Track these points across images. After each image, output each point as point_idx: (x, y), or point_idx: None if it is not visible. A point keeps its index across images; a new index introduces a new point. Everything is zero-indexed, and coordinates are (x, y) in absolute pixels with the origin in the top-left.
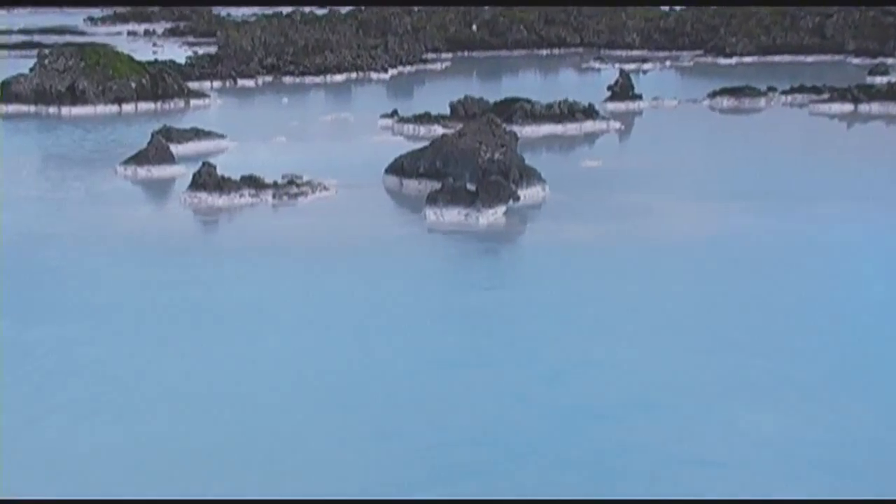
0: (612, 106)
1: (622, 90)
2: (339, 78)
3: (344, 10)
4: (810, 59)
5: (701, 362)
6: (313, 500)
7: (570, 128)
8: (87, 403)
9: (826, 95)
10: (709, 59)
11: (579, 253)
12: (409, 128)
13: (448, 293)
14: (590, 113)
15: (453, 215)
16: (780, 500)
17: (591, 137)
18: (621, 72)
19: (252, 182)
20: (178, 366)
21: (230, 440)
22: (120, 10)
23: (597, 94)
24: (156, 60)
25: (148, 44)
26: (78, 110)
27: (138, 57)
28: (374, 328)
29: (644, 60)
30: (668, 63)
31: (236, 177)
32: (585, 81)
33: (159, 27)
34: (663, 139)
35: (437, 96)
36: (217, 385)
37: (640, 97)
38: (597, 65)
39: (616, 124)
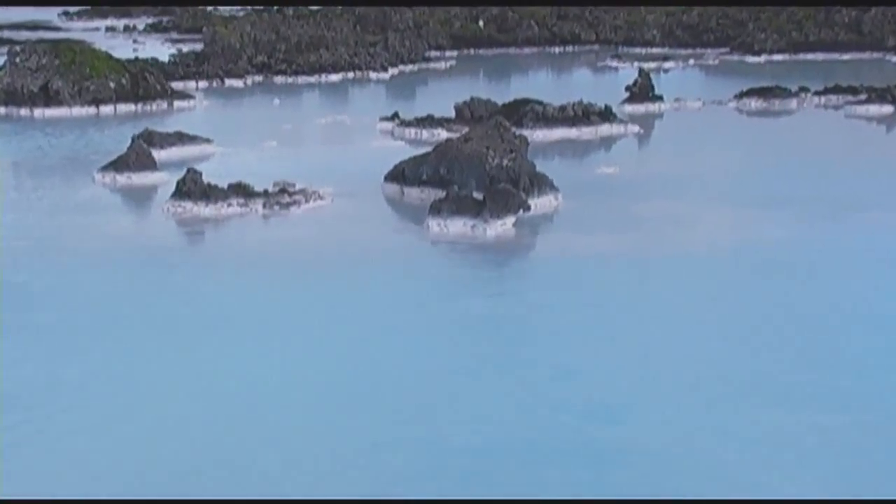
0: (630, 108)
1: (641, 91)
2: (334, 78)
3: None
4: (846, 56)
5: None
6: (313, 501)
7: (585, 132)
8: (65, 429)
9: (863, 96)
10: (735, 57)
11: (594, 267)
12: (411, 132)
13: (453, 310)
14: (606, 115)
15: (458, 226)
16: (780, 500)
17: (607, 142)
18: (640, 71)
19: (241, 190)
20: (167, 388)
21: (234, 458)
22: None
23: (614, 94)
24: (136, 58)
25: (128, 40)
26: (52, 112)
27: (117, 54)
28: (373, 345)
29: (665, 58)
30: (691, 61)
31: (224, 184)
32: (601, 81)
33: (140, 22)
34: (686, 144)
35: (441, 97)
36: (211, 407)
37: (660, 98)
38: (614, 63)
39: (635, 128)
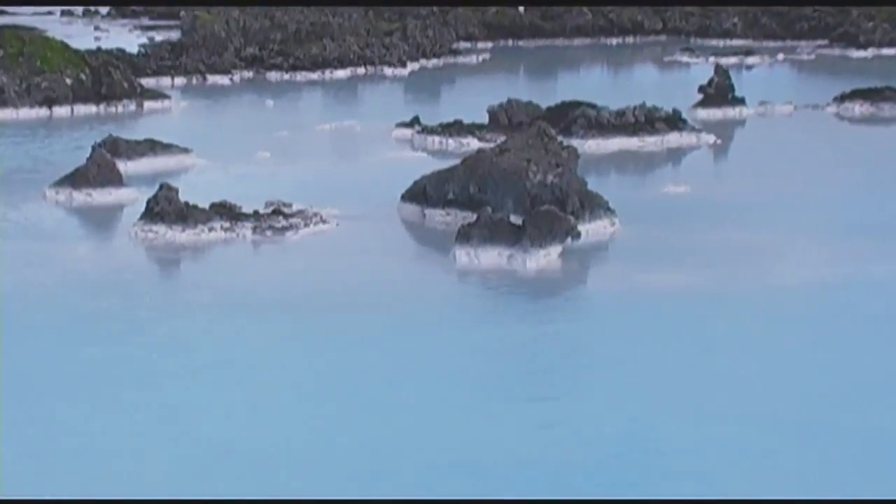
0: (704, 113)
1: (718, 92)
2: (341, 74)
3: None
4: None
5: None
6: (313, 501)
7: (649, 142)
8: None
9: None
10: (836, 52)
11: (657, 308)
12: (435, 140)
13: (485, 363)
14: (674, 122)
15: (492, 257)
16: (780, 500)
17: (675, 155)
18: (717, 67)
19: (225, 211)
20: (127, 476)
21: None
22: None
23: (684, 96)
24: (99, 49)
25: (89, 27)
26: None
27: (75, 44)
28: (389, 405)
29: (748, 52)
30: (780, 56)
31: (205, 204)
32: (669, 80)
33: (103, 6)
34: (773, 158)
35: (472, 99)
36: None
37: (741, 102)
38: (685, 58)
39: (709, 137)
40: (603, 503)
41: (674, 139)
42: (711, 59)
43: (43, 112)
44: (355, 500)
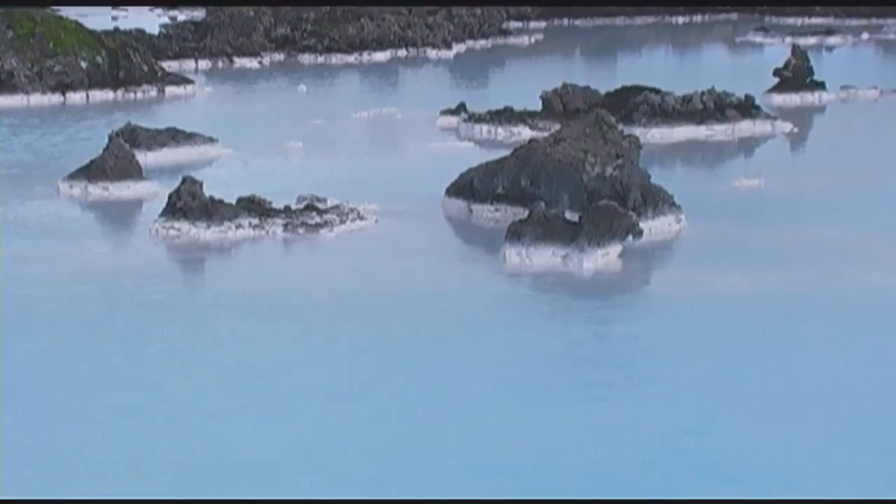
0: (780, 98)
1: (796, 75)
2: (380, 56)
3: None
4: None
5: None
6: (313, 501)
7: (718, 130)
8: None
9: None
10: None
11: (728, 313)
12: (483, 129)
13: (538, 374)
14: (747, 109)
15: (545, 257)
16: (780, 500)
17: (748, 145)
18: (794, 48)
19: (254, 207)
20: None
21: None
22: None
23: (758, 80)
24: (116, 30)
25: (105, 6)
26: (4, 101)
27: (91, 25)
28: (435, 413)
29: (829, 31)
30: (864, 35)
31: (231, 199)
32: (741, 62)
33: None
34: (855, 148)
35: (523, 84)
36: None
37: (821, 86)
38: (758, 38)
39: (786, 126)
40: (603, 503)
41: (746, 128)
42: (788, 38)
43: (56, 98)
44: (356, 500)
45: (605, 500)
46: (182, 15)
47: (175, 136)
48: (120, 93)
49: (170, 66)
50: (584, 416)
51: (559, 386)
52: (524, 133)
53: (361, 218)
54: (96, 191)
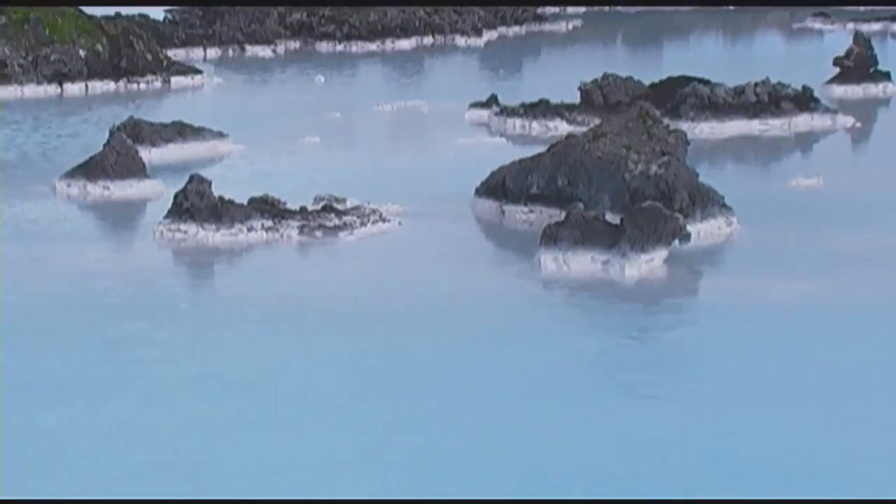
0: (840, 90)
1: (858, 65)
2: (405, 44)
3: None
4: None
5: None
6: (313, 501)
7: (773, 125)
8: None
9: None
10: None
11: (784, 323)
12: (516, 124)
13: (578, 395)
14: (805, 102)
15: (584, 263)
16: (780, 500)
17: (805, 140)
18: (857, 35)
19: (267, 208)
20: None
21: None
22: None
23: (816, 71)
24: (118, 15)
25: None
26: None
27: (90, 10)
28: (469, 422)
29: (894, 18)
30: None
31: (242, 199)
32: (798, 50)
33: None
34: None
35: (560, 74)
36: None
37: (886, 76)
38: (817, 24)
39: (847, 120)
40: (603, 503)
41: (803, 122)
42: (850, 25)
43: (52, 90)
44: (356, 500)
45: (605, 500)
46: None
47: (181, 131)
48: (122, 84)
49: (176, 54)
50: (629, 422)
51: (601, 392)
52: (561, 128)
53: (384, 220)
54: (96, 190)
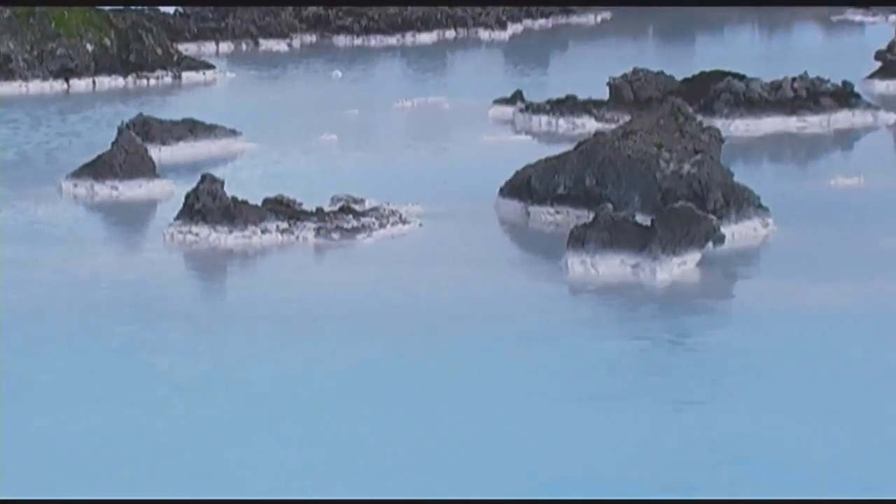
0: (882, 85)
1: None
2: (426, 38)
3: None
4: None
5: None
6: (313, 501)
7: (812, 122)
8: None
9: None
10: None
11: (824, 330)
12: (542, 121)
13: (608, 409)
14: (845, 97)
15: (613, 266)
16: (779, 500)
17: (845, 138)
18: None
19: (282, 209)
20: None
21: None
22: None
23: (857, 65)
24: (127, 8)
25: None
26: (0, 88)
27: (98, 3)
28: (509, 435)
29: None
30: None
31: (256, 200)
32: (838, 44)
33: None
34: None
35: (588, 69)
36: None
37: None
38: (858, 15)
39: (889, 116)
40: (603, 503)
41: (843, 118)
42: (892, 17)
43: (58, 86)
44: (356, 500)
45: (605, 500)
46: None
47: (193, 129)
48: (130, 79)
49: (187, 48)
50: (656, 426)
51: (628, 396)
52: (589, 125)
53: (403, 221)
54: (104, 190)
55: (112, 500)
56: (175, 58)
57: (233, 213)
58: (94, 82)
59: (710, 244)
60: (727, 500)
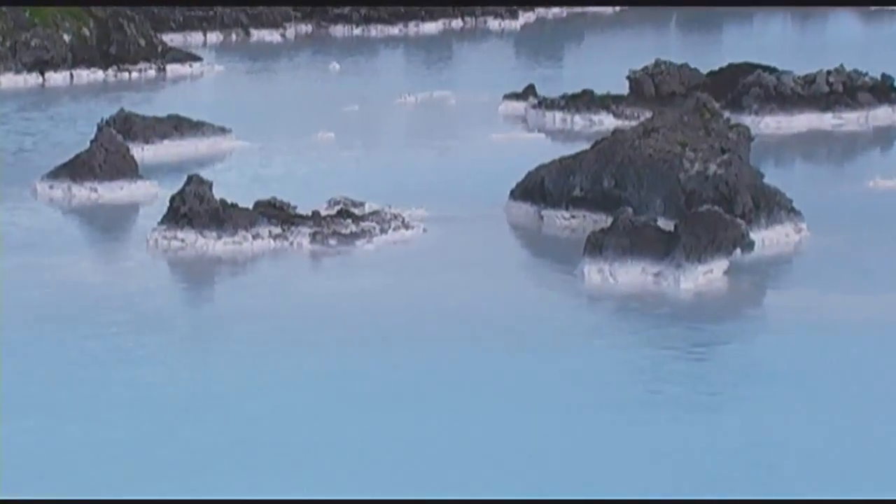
0: None
1: None
2: (430, 28)
3: None
4: None
5: None
6: (313, 501)
7: (848, 119)
8: None
9: None
10: None
11: (860, 344)
12: (556, 117)
13: (628, 432)
14: (884, 92)
15: (634, 274)
16: (779, 499)
17: (885, 136)
18: None
19: (275, 212)
20: None
21: None
22: None
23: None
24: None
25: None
26: None
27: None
28: (528, 444)
29: None
30: None
31: (248, 203)
32: (876, 35)
33: None
34: None
35: (606, 63)
36: None
37: None
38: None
39: None
40: (603, 503)
41: (883, 115)
42: None
43: (33, 79)
44: (356, 500)
45: (606, 500)
46: None
47: (178, 126)
48: (111, 72)
49: (172, 39)
50: (674, 436)
51: (648, 405)
52: (607, 122)
53: (406, 226)
54: (82, 193)
55: (110, 500)
56: (159, 49)
57: (222, 217)
58: (71, 76)
59: (739, 251)
60: (727, 499)
